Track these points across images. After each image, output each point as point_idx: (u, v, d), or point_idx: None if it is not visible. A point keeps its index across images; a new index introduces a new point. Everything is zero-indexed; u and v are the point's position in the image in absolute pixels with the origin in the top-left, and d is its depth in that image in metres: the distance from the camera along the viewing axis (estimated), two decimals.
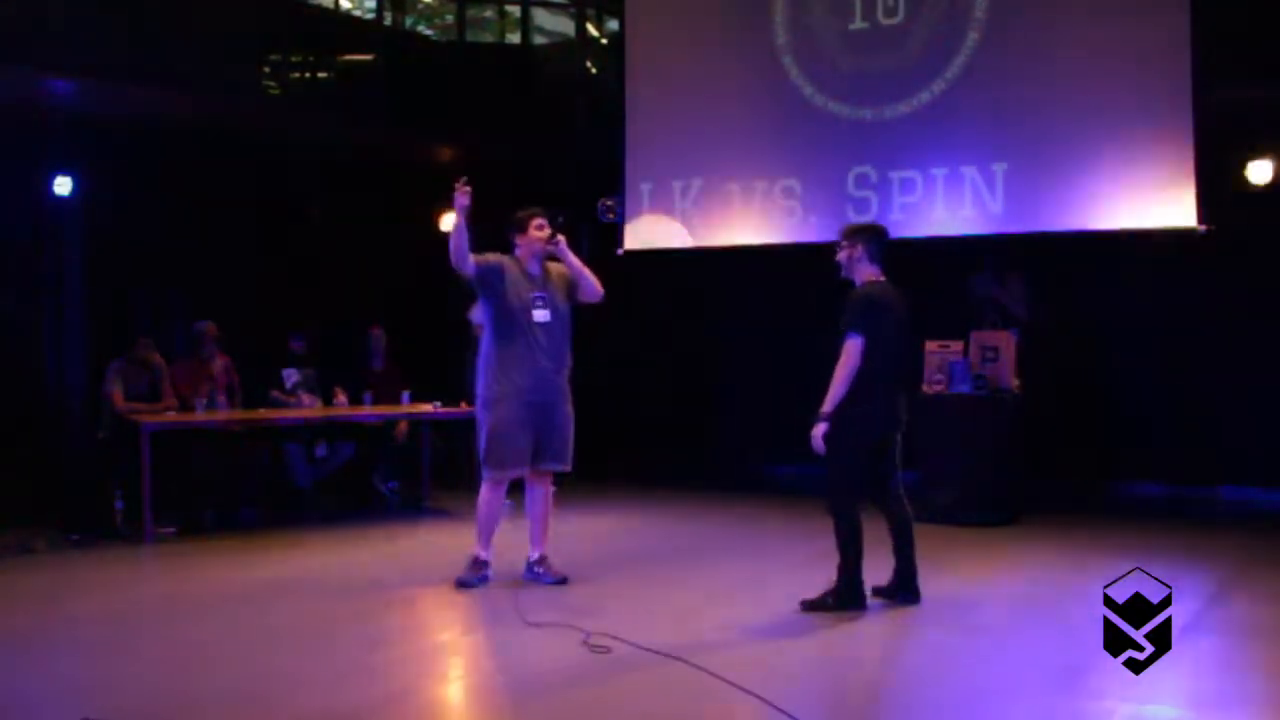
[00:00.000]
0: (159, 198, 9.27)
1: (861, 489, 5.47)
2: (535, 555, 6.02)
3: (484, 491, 5.86)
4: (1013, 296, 8.33)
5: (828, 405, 5.29)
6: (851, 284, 5.56)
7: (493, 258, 5.86)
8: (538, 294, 5.85)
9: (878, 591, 5.58)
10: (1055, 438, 8.54)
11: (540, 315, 5.83)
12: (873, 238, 5.54)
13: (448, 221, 5.94)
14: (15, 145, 8.63)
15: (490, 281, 5.80)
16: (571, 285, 5.97)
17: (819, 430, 5.29)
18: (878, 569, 5.56)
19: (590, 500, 8.40)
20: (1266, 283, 8.31)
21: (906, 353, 5.63)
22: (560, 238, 5.87)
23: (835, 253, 5.60)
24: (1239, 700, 4.25)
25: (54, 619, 5.43)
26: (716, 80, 9.25)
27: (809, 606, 5.36)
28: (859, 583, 5.39)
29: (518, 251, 5.93)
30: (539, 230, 5.87)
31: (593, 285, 5.98)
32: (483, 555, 5.86)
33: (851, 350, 5.27)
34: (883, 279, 5.50)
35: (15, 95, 8.45)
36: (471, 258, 5.74)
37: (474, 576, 5.82)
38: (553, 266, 5.97)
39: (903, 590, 5.52)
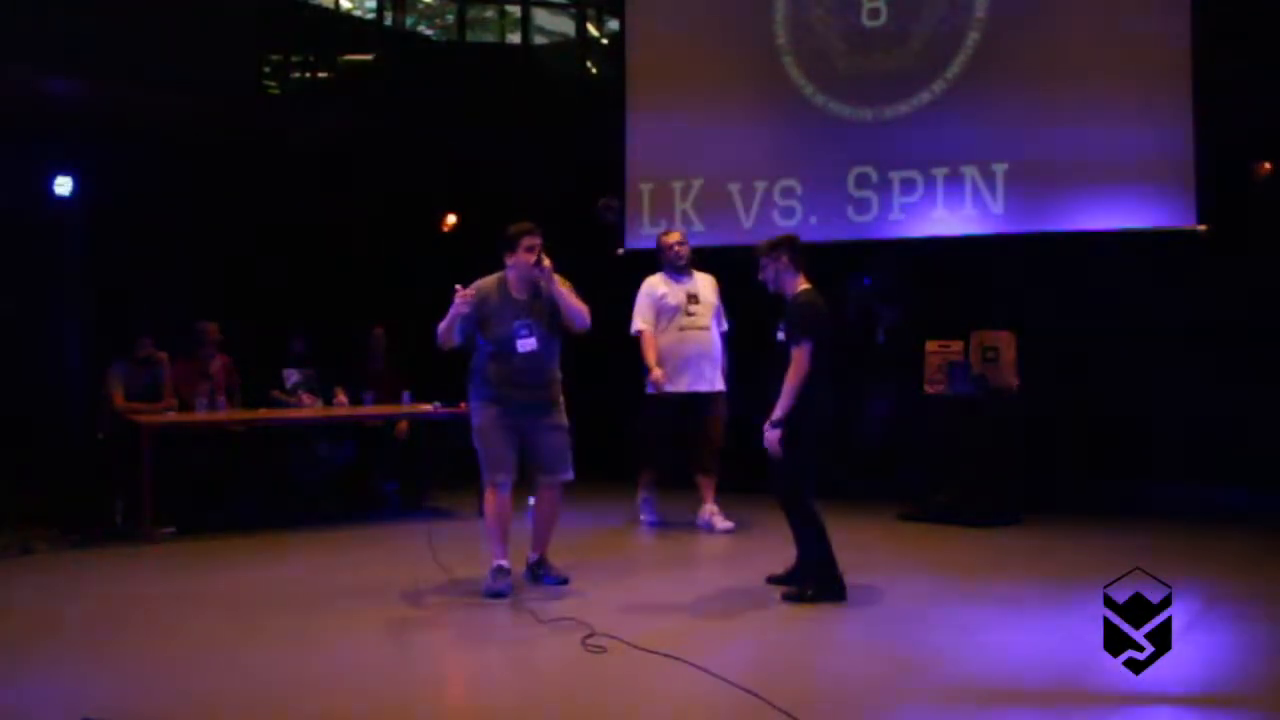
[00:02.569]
0: (159, 198, 9.27)
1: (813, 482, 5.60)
2: (535, 557, 6.02)
3: (485, 498, 5.84)
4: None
5: (780, 411, 5.42)
6: (782, 297, 5.65)
7: (471, 301, 5.63)
8: (521, 323, 5.66)
9: (773, 579, 5.76)
10: (1055, 438, 8.54)
11: (524, 345, 5.66)
12: (794, 247, 5.66)
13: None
14: (15, 145, 8.64)
15: (472, 328, 5.70)
16: (559, 314, 5.76)
17: (774, 436, 5.40)
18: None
19: (590, 500, 8.38)
20: (1267, 282, 8.30)
21: (831, 354, 5.68)
22: (547, 264, 5.62)
23: (759, 271, 5.68)
24: (1239, 700, 4.24)
25: (54, 619, 5.43)
26: (716, 80, 9.26)
27: (790, 598, 5.53)
28: (837, 573, 5.52)
29: (509, 272, 5.74)
30: (528, 252, 5.62)
31: (581, 317, 5.74)
32: (503, 563, 5.79)
33: (803, 358, 5.40)
34: (810, 285, 5.62)
35: (15, 95, 8.46)
36: (455, 334, 5.66)
37: (501, 584, 5.72)
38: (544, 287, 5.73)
39: (801, 577, 5.67)
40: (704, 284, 7.52)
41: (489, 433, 5.72)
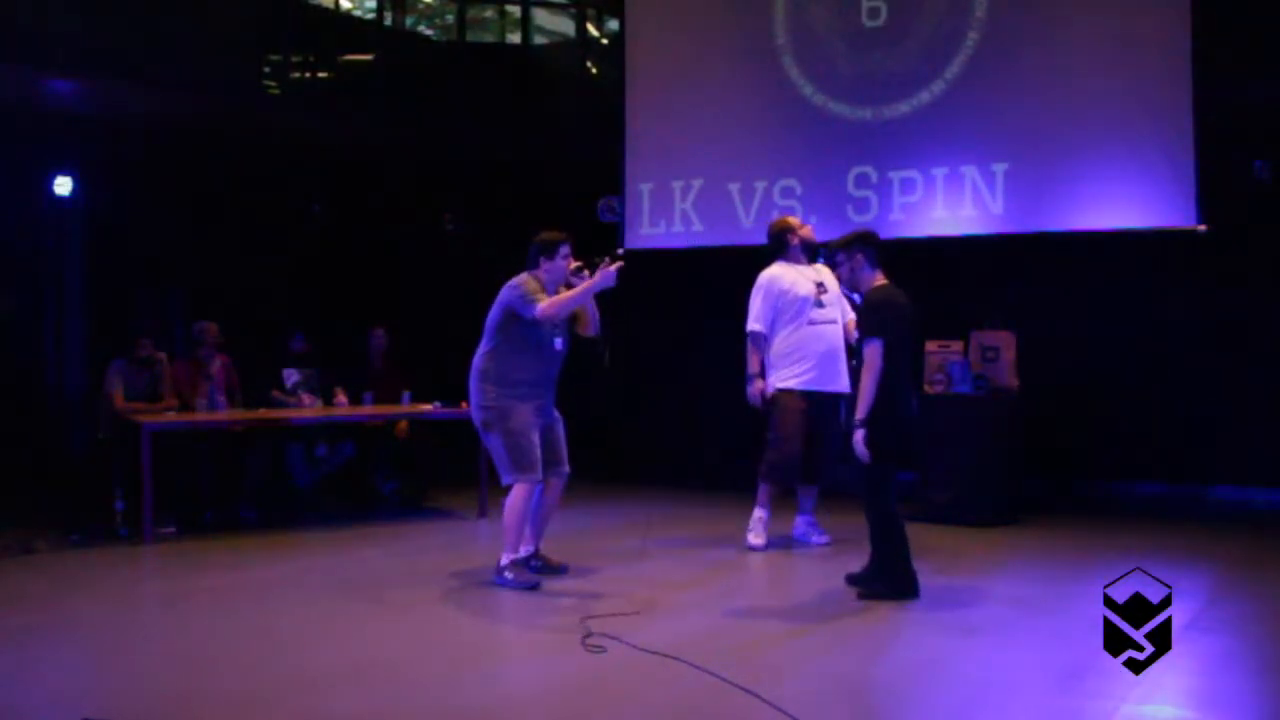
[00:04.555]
0: (159, 198, 9.28)
1: (896, 488, 5.61)
2: (530, 550, 6.05)
3: (517, 496, 5.82)
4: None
5: (863, 411, 5.38)
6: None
7: (542, 295, 5.82)
8: (556, 323, 5.94)
9: (853, 579, 5.78)
10: (1055, 438, 8.54)
11: (559, 343, 5.97)
12: (869, 244, 5.59)
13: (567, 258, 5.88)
14: (15, 145, 8.64)
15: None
16: (577, 317, 6.04)
17: (860, 437, 5.37)
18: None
19: (589, 499, 8.39)
20: (1266, 282, 8.31)
21: (911, 352, 5.68)
22: (586, 272, 5.84)
23: (834, 268, 5.66)
24: (1239, 699, 4.25)
25: (54, 619, 5.43)
26: (717, 81, 9.26)
27: (866, 596, 5.54)
28: (911, 571, 5.54)
29: (540, 273, 5.91)
30: (565, 259, 5.91)
31: (597, 322, 6.07)
32: (522, 552, 5.90)
33: (875, 355, 5.36)
34: (887, 282, 5.56)
35: (15, 95, 8.46)
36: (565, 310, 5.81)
37: (531, 578, 5.81)
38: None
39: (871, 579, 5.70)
40: (825, 271, 6.73)
41: (527, 432, 5.82)
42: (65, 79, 8.20)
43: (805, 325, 6.61)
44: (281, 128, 9.86)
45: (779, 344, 6.66)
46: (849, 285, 5.69)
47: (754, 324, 6.73)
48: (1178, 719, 4.06)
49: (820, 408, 6.59)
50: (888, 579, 5.54)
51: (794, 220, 7.01)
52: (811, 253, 6.82)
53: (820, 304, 6.64)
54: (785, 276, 6.71)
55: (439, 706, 4.21)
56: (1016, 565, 6.45)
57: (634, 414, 10.46)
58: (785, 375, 6.63)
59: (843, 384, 6.57)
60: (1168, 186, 7.62)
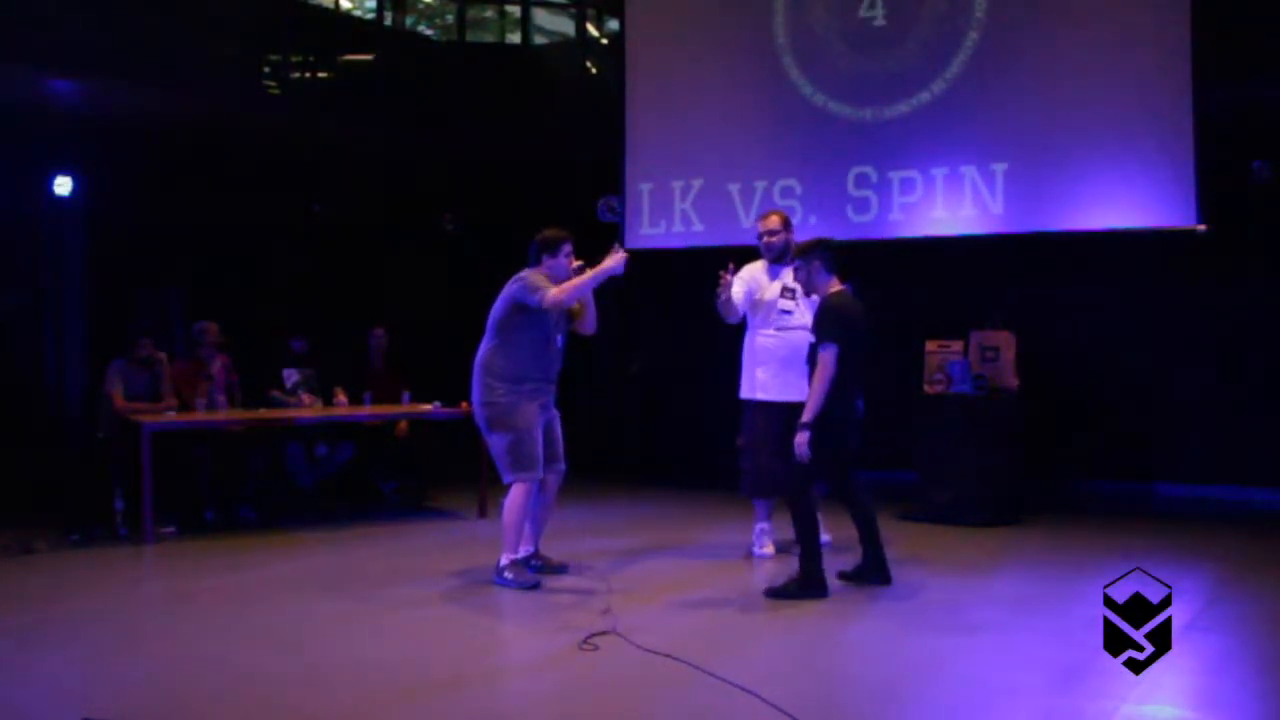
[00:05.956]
0: (159, 198, 9.27)
1: (816, 483, 5.73)
2: (529, 550, 6.05)
3: (517, 495, 5.83)
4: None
5: (809, 414, 5.46)
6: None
7: (548, 285, 5.85)
8: (558, 320, 6.02)
9: (844, 576, 5.83)
10: (1055, 438, 8.54)
11: (559, 340, 6.03)
12: (824, 251, 5.71)
13: (572, 277, 5.89)
14: (15, 145, 8.64)
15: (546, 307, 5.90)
16: (574, 314, 6.11)
17: (803, 439, 5.44)
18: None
19: (586, 498, 8.39)
20: (1266, 282, 8.31)
21: (865, 357, 5.69)
22: (587, 270, 5.89)
23: (795, 274, 5.82)
24: (1239, 699, 4.25)
25: (54, 619, 5.43)
26: (716, 80, 9.25)
27: (773, 594, 5.59)
28: (820, 571, 5.62)
29: (542, 270, 5.95)
30: (567, 258, 5.96)
31: (595, 321, 6.18)
32: (522, 552, 5.93)
33: (829, 360, 5.46)
34: (842, 288, 5.67)
35: (15, 95, 8.46)
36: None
37: (531, 578, 5.84)
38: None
39: (874, 574, 5.77)
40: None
41: (532, 430, 5.85)
42: (65, 79, 8.20)
43: (772, 330, 6.44)
44: (281, 127, 9.86)
45: (748, 345, 6.57)
46: (808, 290, 5.79)
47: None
48: (1178, 719, 4.06)
49: (792, 416, 6.23)
50: (799, 577, 5.58)
51: (760, 227, 6.60)
52: (774, 259, 6.50)
53: (784, 309, 6.42)
54: (756, 279, 6.53)
55: (439, 707, 4.21)
56: (1016, 565, 6.44)
57: (634, 413, 10.45)
58: (751, 384, 6.52)
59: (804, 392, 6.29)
60: (1167, 186, 7.61)
